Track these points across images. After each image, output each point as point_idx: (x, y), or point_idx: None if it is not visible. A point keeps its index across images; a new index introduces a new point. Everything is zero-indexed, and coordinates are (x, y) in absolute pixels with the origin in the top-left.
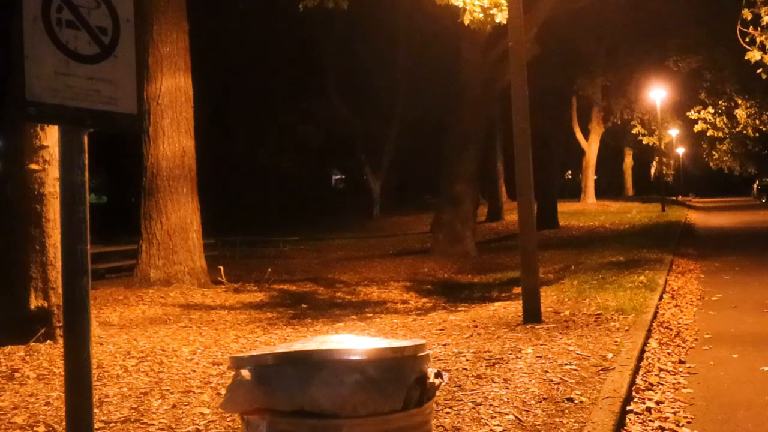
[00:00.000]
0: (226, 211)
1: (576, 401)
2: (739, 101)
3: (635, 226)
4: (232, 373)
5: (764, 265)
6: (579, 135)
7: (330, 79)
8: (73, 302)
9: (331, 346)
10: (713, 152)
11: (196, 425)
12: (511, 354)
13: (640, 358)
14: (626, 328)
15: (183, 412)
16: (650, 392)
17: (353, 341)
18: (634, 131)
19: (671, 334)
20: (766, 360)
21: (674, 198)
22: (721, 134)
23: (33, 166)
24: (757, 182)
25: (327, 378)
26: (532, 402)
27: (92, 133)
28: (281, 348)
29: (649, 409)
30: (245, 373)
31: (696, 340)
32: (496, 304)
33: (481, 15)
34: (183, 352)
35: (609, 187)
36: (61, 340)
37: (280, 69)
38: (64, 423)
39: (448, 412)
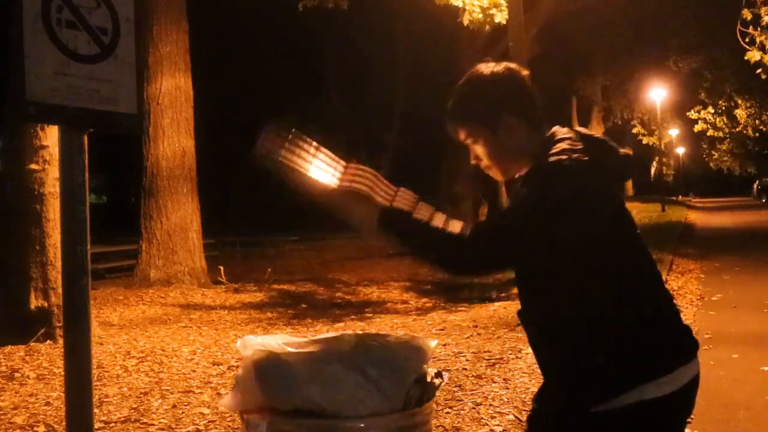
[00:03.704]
0: (227, 211)
1: None
2: (739, 101)
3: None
4: (233, 373)
5: (764, 265)
6: None
7: (330, 79)
8: (73, 302)
9: (332, 344)
10: (713, 152)
11: (196, 425)
12: (511, 354)
13: None
14: None
15: (183, 412)
16: None
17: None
18: (634, 131)
19: None
20: (766, 360)
21: (674, 198)
22: (721, 134)
23: (33, 166)
24: (757, 182)
25: (327, 378)
26: None
27: (92, 133)
28: (284, 346)
29: None
30: (246, 371)
31: None
32: (496, 304)
33: (480, 15)
34: (183, 352)
35: None
36: (61, 340)
37: (280, 69)
38: (64, 423)
39: (448, 412)
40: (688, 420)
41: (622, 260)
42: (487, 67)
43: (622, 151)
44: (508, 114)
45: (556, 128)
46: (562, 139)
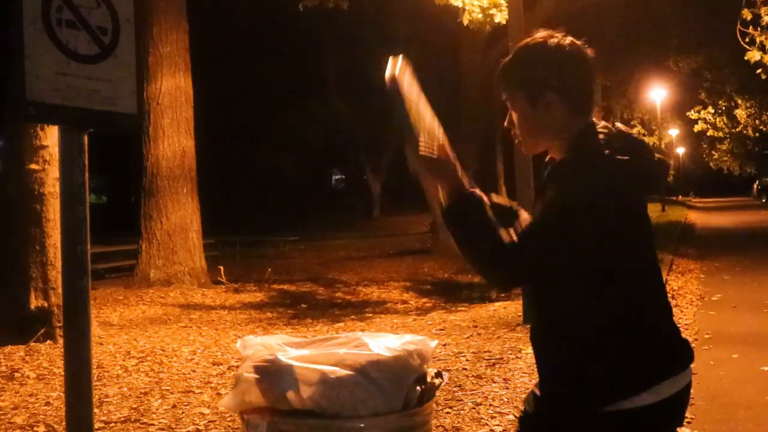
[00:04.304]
0: (226, 211)
1: None
2: (739, 101)
3: None
4: (233, 373)
5: (764, 265)
6: None
7: (330, 78)
8: (73, 302)
9: (332, 345)
10: (713, 152)
11: (196, 425)
12: (511, 354)
13: None
14: None
15: (183, 412)
16: None
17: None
18: (635, 131)
19: None
20: (766, 360)
21: (674, 198)
22: (721, 134)
23: (33, 166)
24: (757, 182)
25: (327, 378)
26: None
27: (92, 133)
28: (284, 346)
29: None
30: (246, 371)
31: (696, 340)
32: (496, 304)
33: (480, 15)
34: (183, 352)
35: None
36: (61, 340)
37: (280, 69)
38: (64, 423)
39: (448, 412)
40: (687, 421)
41: (636, 265)
42: (552, 38)
43: (658, 156)
44: (551, 90)
45: (594, 120)
46: (599, 133)
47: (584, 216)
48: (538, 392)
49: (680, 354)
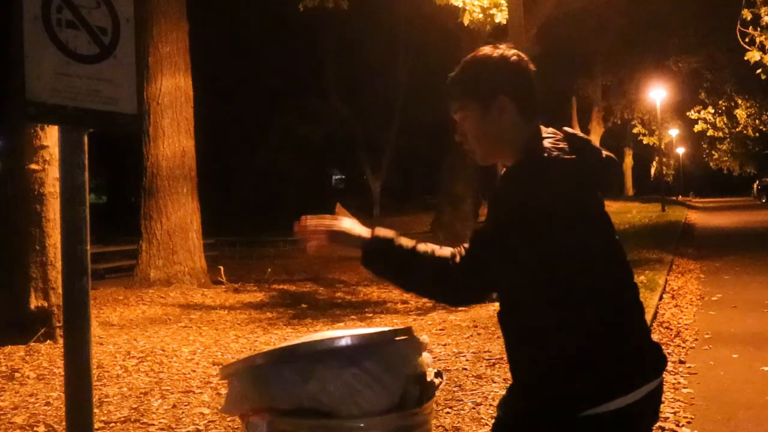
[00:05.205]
0: (226, 211)
1: None
2: (739, 101)
3: (635, 225)
4: None
5: (764, 265)
6: None
7: (330, 79)
8: (73, 302)
9: (327, 338)
10: (713, 152)
11: (196, 425)
12: None
13: None
14: None
15: (183, 412)
16: None
17: (350, 333)
18: (635, 131)
19: (671, 334)
20: (766, 360)
21: (674, 198)
22: (721, 134)
23: (33, 166)
24: (757, 182)
25: (324, 374)
26: None
27: (92, 133)
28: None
29: None
30: (242, 374)
31: (696, 340)
32: (496, 304)
33: (480, 15)
34: (183, 352)
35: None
36: (61, 340)
37: (280, 69)
38: (64, 423)
39: (448, 412)
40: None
41: (599, 267)
42: (497, 50)
43: (605, 153)
44: (503, 94)
45: (541, 126)
46: (546, 137)
47: (532, 217)
48: (510, 396)
49: (654, 360)
